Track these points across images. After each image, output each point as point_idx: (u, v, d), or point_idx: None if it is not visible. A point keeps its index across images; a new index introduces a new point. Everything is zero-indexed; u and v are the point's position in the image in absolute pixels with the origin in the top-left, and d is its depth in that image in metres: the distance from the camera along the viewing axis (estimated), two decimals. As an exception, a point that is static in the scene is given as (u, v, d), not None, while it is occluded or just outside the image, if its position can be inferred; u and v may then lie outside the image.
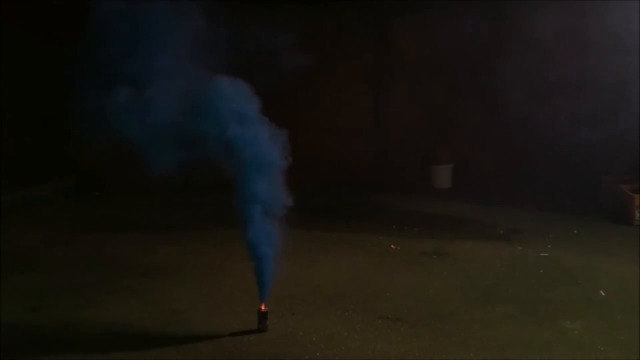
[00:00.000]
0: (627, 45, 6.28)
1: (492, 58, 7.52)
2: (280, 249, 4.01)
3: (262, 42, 6.39)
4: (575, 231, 6.22)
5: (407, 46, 8.30)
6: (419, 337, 3.90)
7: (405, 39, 8.30)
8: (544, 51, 7.45)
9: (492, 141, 8.02)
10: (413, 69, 8.28)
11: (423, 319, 4.16)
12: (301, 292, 4.62)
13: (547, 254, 5.50)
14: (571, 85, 7.17)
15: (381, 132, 8.49)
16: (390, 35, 8.33)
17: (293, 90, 7.08)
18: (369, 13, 8.21)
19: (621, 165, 7.10)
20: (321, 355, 3.67)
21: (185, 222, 6.65)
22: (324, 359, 3.64)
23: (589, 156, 7.35)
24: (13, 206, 6.96)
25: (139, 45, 3.99)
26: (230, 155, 3.84)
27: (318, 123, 8.15)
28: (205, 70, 3.91)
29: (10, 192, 7.19)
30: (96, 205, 7.47)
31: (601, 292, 4.61)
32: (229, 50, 4.25)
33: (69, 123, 4.18)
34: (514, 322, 4.11)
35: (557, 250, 5.61)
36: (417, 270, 5.14)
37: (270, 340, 3.88)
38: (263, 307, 4.01)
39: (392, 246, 5.76)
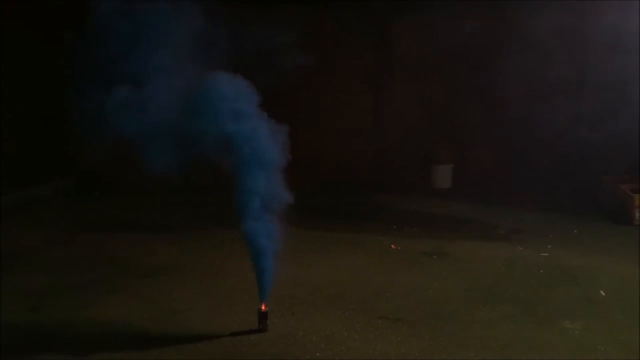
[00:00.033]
0: (627, 45, 6.27)
1: (492, 58, 7.52)
2: (279, 245, 4.01)
3: (262, 42, 6.39)
4: (575, 231, 6.22)
5: (407, 46, 8.30)
6: (419, 337, 3.90)
7: (405, 39, 8.30)
8: (544, 51, 7.45)
9: (492, 141, 8.02)
10: (413, 69, 8.27)
11: (423, 319, 4.16)
12: (301, 292, 4.62)
13: (547, 254, 5.50)
14: (571, 85, 7.18)
15: (381, 132, 8.49)
16: (390, 35, 8.33)
17: (293, 90, 7.08)
18: (369, 13, 8.20)
19: (621, 165, 7.10)
20: (321, 355, 3.67)
21: (185, 222, 6.65)
22: (324, 359, 3.64)
23: (589, 156, 7.35)
24: (13, 206, 6.96)
25: (139, 45, 3.99)
26: (229, 151, 3.83)
27: (318, 123, 8.15)
28: (204, 69, 3.91)
29: (10, 192, 7.19)
30: (96, 205, 7.47)
31: (601, 292, 4.61)
32: (229, 50, 4.25)
33: (69, 123, 4.17)
34: (514, 322, 4.11)
35: (557, 250, 5.61)
36: (417, 270, 5.14)
37: (270, 340, 3.88)
38: (263, 307, 4.01)
39: (392, 246, 5.76)
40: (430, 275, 5.00)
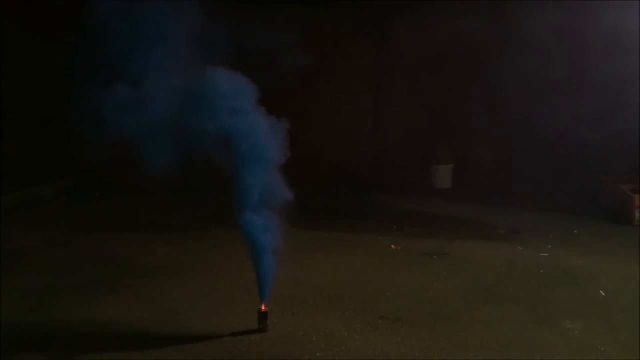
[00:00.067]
0: (627, 45, 6.27)
1: (492, 58, 7.52)
2: (278, 242, 4.00)
3: (262, 42, 6.39)
4: (575, 231, 6.22)
5: (407, 46, 8.30)
6: (419, 337, 3.90)
7: (405, 39, 8.30)
8: (544, 51, 7.45)
9: (492, 141, 8.02)
10: (413, 69, 8.28)
11: (423, 319, 4.16)
12: (301, 292, 4.62)
13: (547, 254, 5.50)
14: (571, 85, 7.17)
15: (381, 132, 8.49)
16: (390, 35, 8.33)
17: (293, 90, 7.09)
18: (369, 13, 8.20)
19: (621, 165, 7.10)
20: (321, 355, 3.67)
21: (185, 222, 6.65)
22: (324, 359, 3.64)
23: (589, 156, 7.35)
24: (13, 206, 6.97)
25: (138, 45, 3.99)
26: (228, 147, 3.83)
27: (318, 123, 8.15)
28: (204, 68, 3.91)
29: (10, 192, 7.19)
30: (96, 205, 7.47)
31: (601, 292, 4.61)
32: (229, 50, 4.25)
33: (69, 123, 4.17)
34: (514, 322, 4.11)
35: (557, 250, 5.61)
36: (417, 270, 5.14)
37: (270, 340, 3.88)
38: (263, 307, 4.01)
39: (392, 246, 5.76)
40: (430, 275, 5.00)
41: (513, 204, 7.21)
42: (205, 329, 4.01)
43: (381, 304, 4.42)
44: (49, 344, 3.85)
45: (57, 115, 5.54)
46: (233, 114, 3.81)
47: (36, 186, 7.56)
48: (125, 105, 3.83)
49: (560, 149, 7.50)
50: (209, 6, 4.23)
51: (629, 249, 5.60)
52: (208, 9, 4.22)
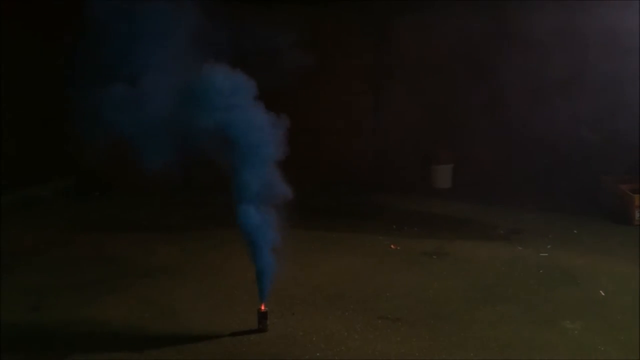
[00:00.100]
0: (627, 45, 6.27)
1: (492, 58, 7.52)
2: (277, 237, 3.99)
3: (262, 42, 6.39)
4: (575, 231, 6.22)
5: (407, 46, 8.30)
6: (419, 337, 3.90)
7: (405, 39, 8.29)
8: (544, 51, 7.45)
9: (492, 141, 8.02)
10: (413, 69, 8.27)
11: (423, 319, 4.16)
12: (301, 292, 4.62)
13: (547, 254, 5.50)
14: (571, 85, 7.17)
15: (381, 132, 8.48)
16: (390, 35, 8.33)
17: (293, 90, 7.09)
18: (369, 13, 8.20)
19: (621, 165, 7.10)
20: (321, 355, 3.67)
21: (185, 222, 6.65)
22: (324, 359, 3.64)
23: (589, 156, 7.35)
24: (13, 206, 6.97)
25: (138, 45, 3.99)
26: (227, 143, 3.82)
27: (318, 123, 8.15)
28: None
29: (10, 192, 7.19)
30: (96, 205, 7.47)
31: (601, 292, 4.61)
32: (229, 50, 4.25)
33: (69, 123, 4.17)
34: (514, 322, 4.11)
35: (557, 250, 5.61)
36: (417, 270, 5.14)
37: (270, 340, 3.88)
38: (263, 307, 4.01)
39: (392, 246, 5.76)
40: (430, 275, 5.00)
41: (513, 204, 7.21)
42: (205, 329, 4.01)
43: (381, 304, 4.42)
44: (49, 344, 3.85)
45: (57, 115, 5.54)
46: (231, 110, 3.80)
47: (36, 186, 7.55)
48: (125, 105, 3.83)
49: (560, 149, 7.50)
50: (209, 6, 4.23)
51: (629, 249, 5.60)
52: (208, 9, 4.22)
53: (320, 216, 6.79)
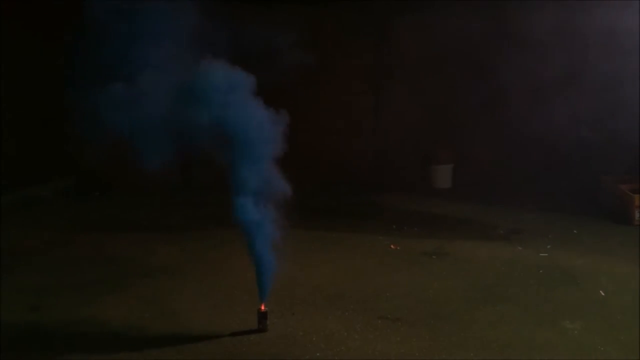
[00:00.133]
0: (627, 45, 6.27)
1: (492, 58, 7.52)
2: (276, 235, 3.98)
3: (262, 42, 6.39)
4: (575, 231, 6.22)
5: (407, 46, 8.30)
6: (419, 337, 3.90)
7: (405, 39, 8.30)
8: (544, 51, 7.45)
9: (492, 141, 8.02)
10: (413, 69, 8.27)
11: (423, 319, 4.16)
12: (301, 292, 4.62)
13: (547, 254, 5.50)
14: (571, 85, 7.17)
15: (381, 132, 8.49)
16: (390, 35, 8.33)
17: (293, 90, 7.09)
18: (369, 13, 8.20)
19: (621, 165, 7.10)
20: (321, 355, 3.67)
21: (185, 222, 6.65)
22: (324, 359, 3.64)
23: (589, 156, 7.35)
24: (13, 206, 6.96)
25: (138, 45, 4.00)
26: (225, 140, 3.82)
27: (318, 123, 8.15)
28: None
29: (10, 192, 7.19)
30: (96, 205, 7.47)
31: (601, 292, 4.61)
32: (229, 50, 4.25)
33: (69, 123, 4.17)
34: (514, 322, 4.11)
35: (557, 250, 5.61)
36: (417, 270, 5.14)
37: (270, 340, 3.88)
38: (263, 307, 4.01)
39: (392, 246, 5.76)
40: (430, 275, 5.00)
41: (513, 204, 7.21)
42: (205, 329, 4.01)
43: (381, 304, 4.42)
44: (49, 344, 3.85)
45: (57, 115, 5.54)
46: (229, 105, 3.79)
47: (36, 186, 7.55)
48: (125, 104, 3.83)
49: (560, 149, 7.50)
50: (209, 6, 4.23)
51: (629, 249, 5.60)
52: (208, 9, 4.22)
53: (320, 216, 6.79)
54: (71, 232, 6.24)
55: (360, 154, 8.45)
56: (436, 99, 8.23)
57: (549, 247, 5.70)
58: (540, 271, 5.07)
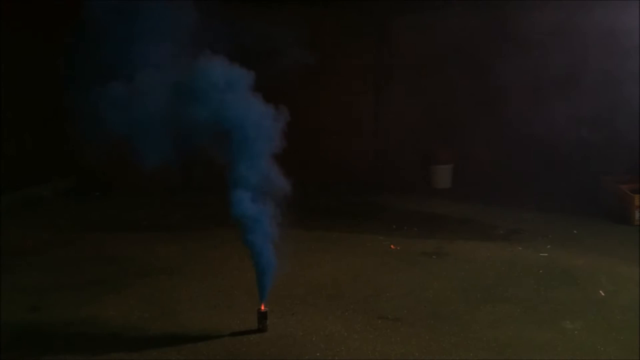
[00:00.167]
0: (626, 45, 6.27)
1: (492, 58, 7.52)
2: (275, 231, 3.98)
3: (262, 42, 6.39)
4: (575, 231, 6.22)
5: (407, 46, 8.31)
6: (419, 337, 3.90)
7: (405, 39, 8.30)
8: (544, 51, 7.45)
9: (492, 141, 8.03)
10: (413, 69, 8.28)
11: (423, 319, 4.16)
12: (301, 292, 4.62)
13: (547, 254, 5.50)
14: (571, 85, 7.17)
15: (381, 132, 8.49)
16: (390, 35, 8.34)
17: (293, 90, 7.09)
18: (369, 13, 8.21)
19: (621, 165, 7.11)
20: (321, 355, 3.67)
21: (185, 222, 6.65)
22: (324, 359, 3.64)
23: (589, 156, 7.35)
24: (13, 206, 6.97)
25: (138, 45, 3.99)
26: (223, 136, 3.82)
27: (318, 123, 8.16)
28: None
29: (10, 192, 7.20)
30: (96, 205, 7.47)
31: (601, 292, 4.61)
32: (229, 50, 4.25)
33: (69, 123, 4.17)
34: (514, 322, 4.11)
35: (557, 250, 5.61)
36: (417, 270, 5.14)
37: (270, 340, 3.88)
38: (263, 307, 4.01)
39: (392, 246, 5.76)
40: (430, 275, 5.00)
41: (513, 204, 7.21)
42: (205, 329, 4.01)
43: (381, 304, 4.42)
44: (49, 344, 3.85)
45: (57, 115, 5.54)
46: (227, 100, 3.78)
47: (36, 186, 7.56)
48: (125, 104, 3.83)
49: (560, 149, 7.50)
50: (209, 6, 4.23)
51: (629, 249, 5.60)
52: (208, 9, 4.22)
53: (320, 216, 6.80)
54: (71, 232, 6.25)
55: (360, 154, 8.45)
56: (436, 99, 8.24)
57: (548, 247, 5.70)
58: (540, 271, 5.07)
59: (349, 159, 8.36)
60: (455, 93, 8.20)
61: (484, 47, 7.79)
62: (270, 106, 3.90)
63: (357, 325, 4.07)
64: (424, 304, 4.43)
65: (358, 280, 4.91)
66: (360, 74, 8.39)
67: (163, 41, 4.05)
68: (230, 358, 3.67)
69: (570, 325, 4.05)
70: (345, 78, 8.35)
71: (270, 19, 7.35)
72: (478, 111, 8.02)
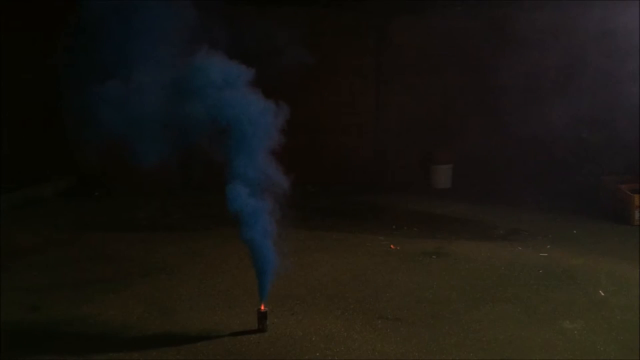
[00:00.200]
0: (626, 45, 6.28)
1: (492, 58, 7.53)
2: (273, 229, 3.97)
3: (262, 42, 6.39)
4: (575, 231, 6.22)
5: (406, 46, 8.31)
6: (419, 337, 3.90)
7: (405, 39, 8.30)
8: (544, 51, 7.46)
9: (492, 141, 8.03)
10: (413, 69, 8.28)
11: (423, 319, 4.16)
12: (301, 292, 4.62)
13: (546, 254, 5.50)
14: (571, 85, 7.18)
15: (381, 132, 8.49)
16: (390, 35, 8.34)
17: (293, 90, 7.09)
18: (369, 13, 8.21)
19: (621, 166, 7.11)
20: (321, 355, 3.67)
21: (185, 222, 6.65)
22: (324, 359, 3.64)
23: (589, 156, 7.35)
24: (13, 206, 6.97)
25: (138, 45, 4.00)
26: (222, 132, 3.81)
27: (318, 123, 8.16)
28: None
29: (10, 192, 7.20)
30: (96, 205, 7.47)
31: (601, 292, 4.61)
32: (229, 50, 4.25)
33: (69, 123, 4.17)
34: (514, 322, 4.11)
35: (557, 250, 5.61)
36: (417, 270, 5.14)
37: (270, 340, 3.88)
38: (263, 307, 4.01)
39: (392, 246, 5.76)
40: (430, 275, 5.00)
41: (513, 204, 7.22)
42: (205, 329, 4.01)
43: (381, 303, 4.42)
44: (49, 344, 3.85)
45: (57, 115, 5.54)
46: (225, 98, 3.78)
47: (36, 186, 7.56)
48: (124, 103, 3.83)
49: (560, 149, 7.51)
50: (209, 6, 4.23)
51: (629, 249, 5.60)
52: (208, 9, 4.22)
53: (320, 216, 6.80)
54: (71, 232, 6.25)
55: (360, 154, 8.45)
56: (436, 99, 8.24)
57: (548, 247, 5.70)
58: (540, 271, 5.07)
59: (349, 159, 8.36)
60: (455, 93, 8.21)
61: (484, 47, 7.80)
62: (269, 102, 3.89)
63: (357, 325, 4.07)
64: (424, 304, 4.43)
65: (358, 280, 4.91)
66: (360, 74, 8.40)
67: (162, 40, 4.04)
68: (230, 358, 3.67)
69: (570, 325, 4.05)
70: (345, 78, 8.35)
71: (270, 19, 7.36)
72: (478, 111, 8.03)
